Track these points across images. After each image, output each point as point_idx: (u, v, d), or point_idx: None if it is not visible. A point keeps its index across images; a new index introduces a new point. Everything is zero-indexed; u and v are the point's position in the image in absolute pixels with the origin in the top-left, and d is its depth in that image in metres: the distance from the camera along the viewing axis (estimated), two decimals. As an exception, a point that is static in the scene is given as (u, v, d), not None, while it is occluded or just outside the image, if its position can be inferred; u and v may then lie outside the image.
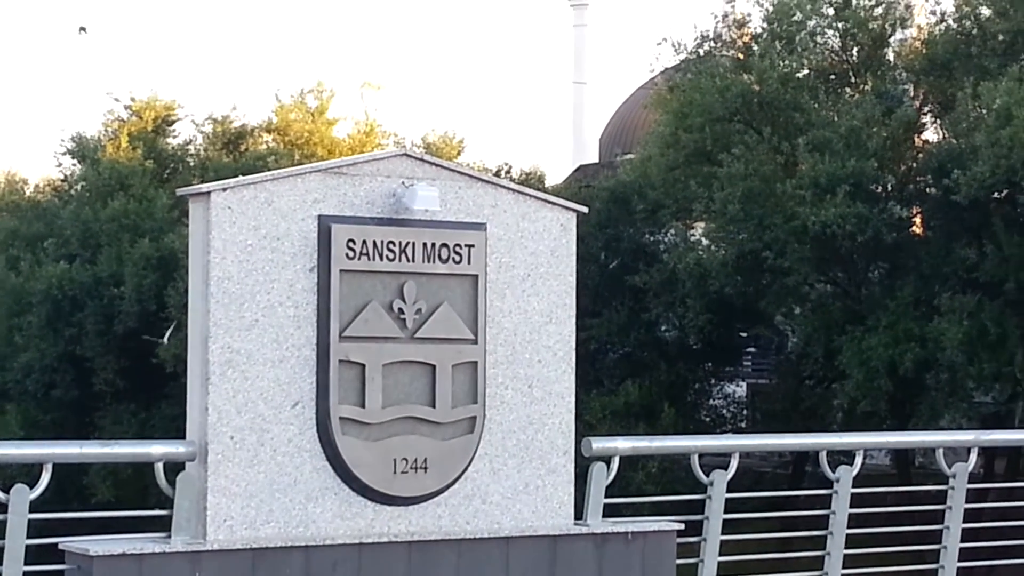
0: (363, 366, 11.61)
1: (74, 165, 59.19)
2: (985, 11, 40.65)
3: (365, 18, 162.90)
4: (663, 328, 44.63)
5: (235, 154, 54.82)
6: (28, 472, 10.89)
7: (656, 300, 43.44)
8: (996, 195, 38.74)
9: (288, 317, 11.37)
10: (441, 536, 11.86)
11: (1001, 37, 39.98)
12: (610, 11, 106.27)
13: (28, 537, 10.52)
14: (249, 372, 11.25)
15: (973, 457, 14.69)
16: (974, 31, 40.72)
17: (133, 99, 58.12)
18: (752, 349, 47.97)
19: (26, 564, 10.51)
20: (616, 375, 42.78)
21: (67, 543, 10.86)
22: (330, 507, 11.49)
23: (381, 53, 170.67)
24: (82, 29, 51.34)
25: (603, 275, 43.45)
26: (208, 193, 11.26)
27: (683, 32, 45.07)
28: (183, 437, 11.39)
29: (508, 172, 53.25)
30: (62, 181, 61.20)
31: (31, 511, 10.51)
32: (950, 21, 41.81)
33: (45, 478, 10.62)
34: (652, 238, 46.02)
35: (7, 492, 10.45)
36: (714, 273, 42.19)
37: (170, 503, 11.00)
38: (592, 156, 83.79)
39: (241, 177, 11.60)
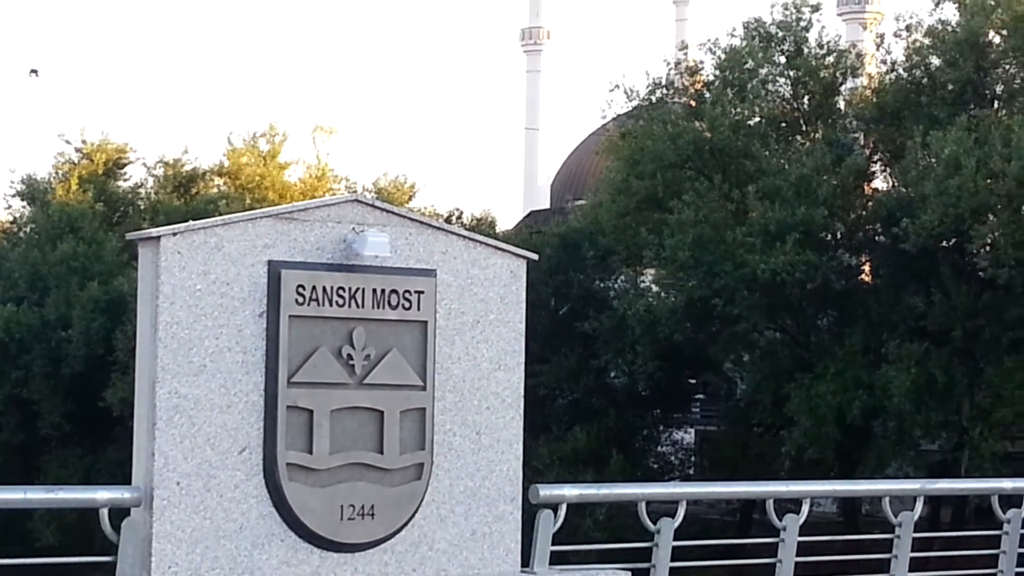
0: (311, 412, 11.58)
1: (24, 207, 59.00)
2: (935, 61, 41.04)
3: (319, 62, 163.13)
4: (612, 374, 44.70)
5: (186, 197, 54.76)
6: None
7: (606, 346, 43.53)
8: (944, 244, 39.05)
9: (236, 362, 11.34)
10: (387, 583, 11.84)
11: (950, 87, 40.35)
12: (564, 57, 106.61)
13: None
14: (196, 417, 11.21)
15: (919, 506, 14.76)
16: (924, 81, 41.10)
17: (84, 142, 58.03)
18: (701, 396, 48.08)
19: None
20: (565, 421, 42.80)
21: (10, 588, 10.80)
22: (276, 554, 11.44)
23: (335, 96, 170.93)
24: (33, 71, 51.27)
25: (553, 321, 43.51)
26: (158, 238, 11.23)
27: (636, 79, 45.05)
28: (129, 482, 11.33)
29: (459, 217, 53.38)
30: (11, 223, 60.96)
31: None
32: (900, 70, 42.21)
33: (-11, 522, 10.56)
34: (602, 284, 46.15)
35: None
36: (664, 320, 42.32)
37: (115, 549, 10.94)
38: (544, 202, 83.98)
39: (191, 222, 11.58)
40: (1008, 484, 15.46)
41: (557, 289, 44.03)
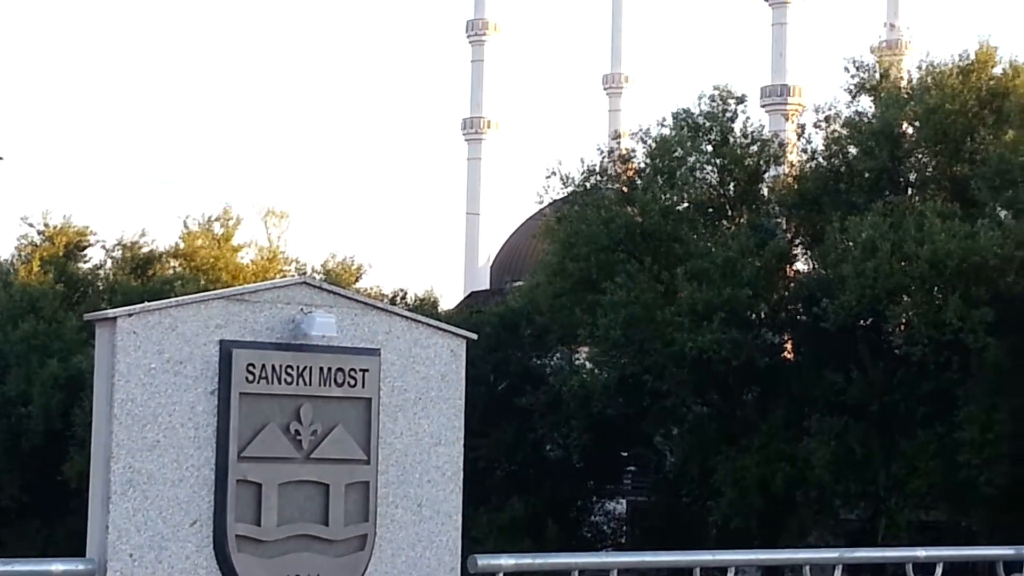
0: (260, 485, 11.54)
1: (-15, 288, 58.53)
2: (852, 150, 41.46)
3: (274, 146, 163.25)
4: (548, 447, 44.71)
5: (143, 278, 54.58)
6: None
7: (542, 420, 43.54)
8: (862, 322, 39.30)
9: (189, 438, 11.30)
10: (333, 651, 11.77)
11: (867, 174, 40.74)
12: (503, 144, 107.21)
13: None
14: (149, 491, 11.15)
15: (838, 574, 14.79)
16: (842, 169, 41.49)
17: (47, 225, 57.85)
18: (632, 468, 48.07)
19: None
20: (503, 492, 42.70)
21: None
22: (226, 622, 11.38)
23: (287, 180, 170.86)
24: (-2, 156, 51.04)
25: (492, 397, 43.47)
26: (115, 318, 11.21)
27: (571, 165, 45.21)
28: (84, 554, 11.25)
29: (404, 297, 53.40)
30: (-26, 304, 60.41)
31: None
32: (820, 159, 42.59)
33: (-56, 596, 10.42)
34: (539, 361, 46.20)
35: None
36: (597, 395, 42.38)
37: (70, 619, 10.84)
38: (484, 282, 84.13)
39: (147, 303, 11.56)
40: (922, 553, 15.51)
41: (496, 366, 44.04)
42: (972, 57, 40.57)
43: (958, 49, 41.57)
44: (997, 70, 40.27)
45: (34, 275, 55.37)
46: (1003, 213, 37.58)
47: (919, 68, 42.55)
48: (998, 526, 33.20)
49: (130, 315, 11.19)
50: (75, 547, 11.46)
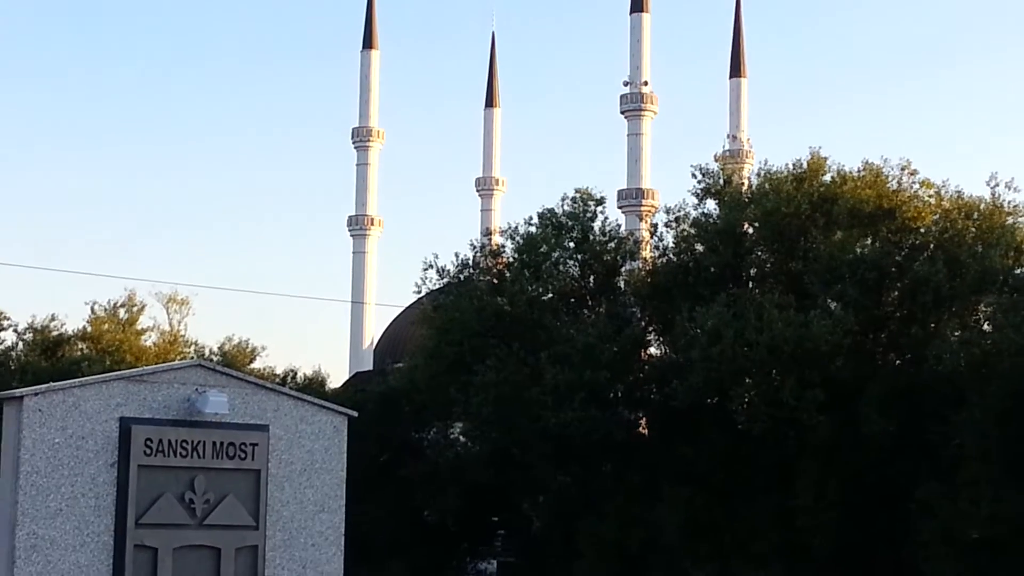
0: (156, 550, 11.42)
1: (-98, 367, 57.29)
2: (699, 247, 41.78)
3: (176, 240, 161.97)
4: (426, 513, 44.37)
5: (53, 359, 53.58)
6: None
7: (420, 489, 43.30)
8: (708, 401, 39.52)
9: (90, 507, 11.15)
10: None
11: (712, 269, 41.08)
12: (386, 240, 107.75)
13: None
14: (52, 555, 10.97)
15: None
16: (690, 264, 41.79)
17: (-40, 309, 56.81)
18: (502, 531, 47.77)
19: None
20: (383, 555, 42.30)
21: None
22: None
23: (189, 270, 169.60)
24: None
25: (374, 467, 43.13)
26: (21, 397, 11.09)
27: (446, 258, 45.13)
28: (-10, 616, 10.99)
29: (294, 377, 52.98)
30: None
31: None
32: (671, 255, 42.87)
33: None
34: (417, 435, 45.97)
35: None
36: (470, 466, 42.28)
37: None
38: (368, 363, 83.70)
39: (52, 383, 11.42)
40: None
41: (378, 439, 43.70)
42: (805, 166, 41.12)
43: (792, 158, 42.01)
44: (827, 177, 40.82)
45: (-52, 355, 54.49)
46: (833, 304, 38.01)
47: (758, 175, 43.02)
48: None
49: (36, 394, 11.07)
50: (-16, 610, 11.18)
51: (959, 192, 40.62)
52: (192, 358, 47.31)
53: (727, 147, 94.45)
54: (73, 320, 59.99)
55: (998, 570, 33.38)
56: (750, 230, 41.26)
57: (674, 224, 43.01)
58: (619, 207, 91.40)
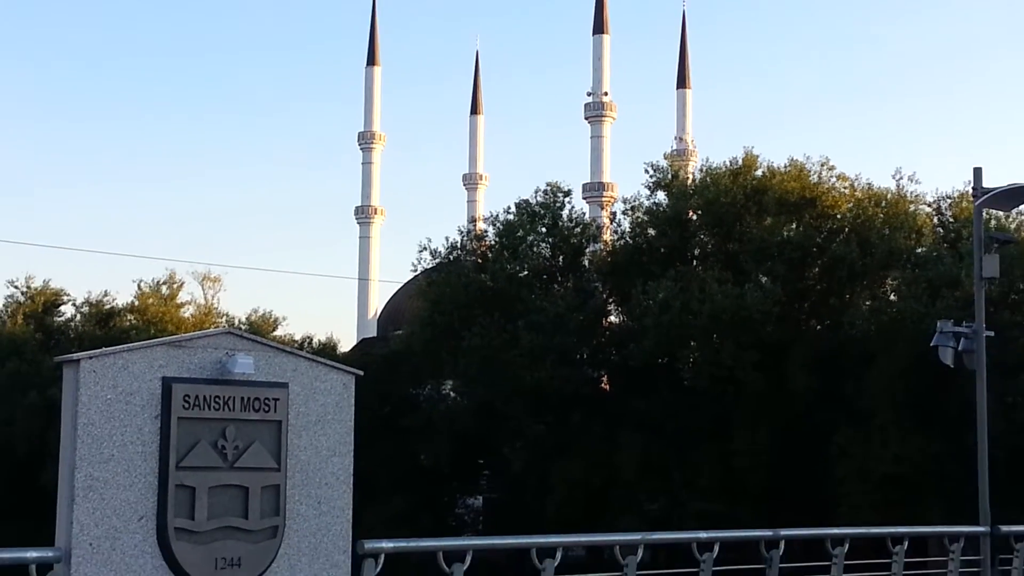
0: (193, 488, 11.32)
1: (-21, 336, 57.11)
2: (651, 232, 41.88)
3: (211, 226, 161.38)
4: (422, 457, 44.41)
5: (105, 329, 53.40)
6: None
7: (417, 437, 43.31)
8: (659, 361, 39.66)
9: (137, 453, 11.07)
10: (250, 617, 11.54)
11: (662, 250, 41.19)
12: (388, 226, 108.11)
13: None
14: (105, 494, 10.90)
15: (640, 551, 14.83)
16: (644, 246, 41.89)
17: (29, 287, 56.57)
18: (486, 472, 47.87)
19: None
20: (386, 493, 42.32)
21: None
22: (166, 596, 11.11)
23: (222, 252, 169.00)
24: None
25: (378, 419, 43.12)
26: (78, 360, 10.99)
27: (438, 242, 45.18)
28: (53, 544, 10.95)
29: (310, 343, 52.89)
30: (-30, 348, 58.85)
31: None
32: (627, 238, 42.97)
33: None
34: (414, 391, 45.97)
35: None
36: (459, 417, 42.29)
37: (41, 596, 10.54)
38: (372, 331, 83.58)
39: (104, 348, 11.34)
40: (703, 535, 15.62)
41: (381, 395, 43.66)
42: (740, 162, 41.23)
43: (730, 156, 42.15)
44: (758, 172, 40.95)
45: (18, 326, 54.24)
46: (764, 279, 38.16)
47: (700, 170, 43.16)
48: (761, 515, 33.53)
49: (91, 357, 10.97)
50: (49, 540, 11.13)
51: (869, 184, 40.83)
52: (223, 327, 47.32)
53: (674, 147, 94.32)
54: (123, 296, 59.72)
55: (902, 500, 33.57)
56: (694, 217, 41.38)
57: (630, 212, 43.14)
58: (584, 198, 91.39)
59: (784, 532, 16.13)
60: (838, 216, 39.83)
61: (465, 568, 13.09)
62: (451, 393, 44.82)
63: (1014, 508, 25.23)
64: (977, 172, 20.95)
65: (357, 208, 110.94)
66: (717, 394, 37.55)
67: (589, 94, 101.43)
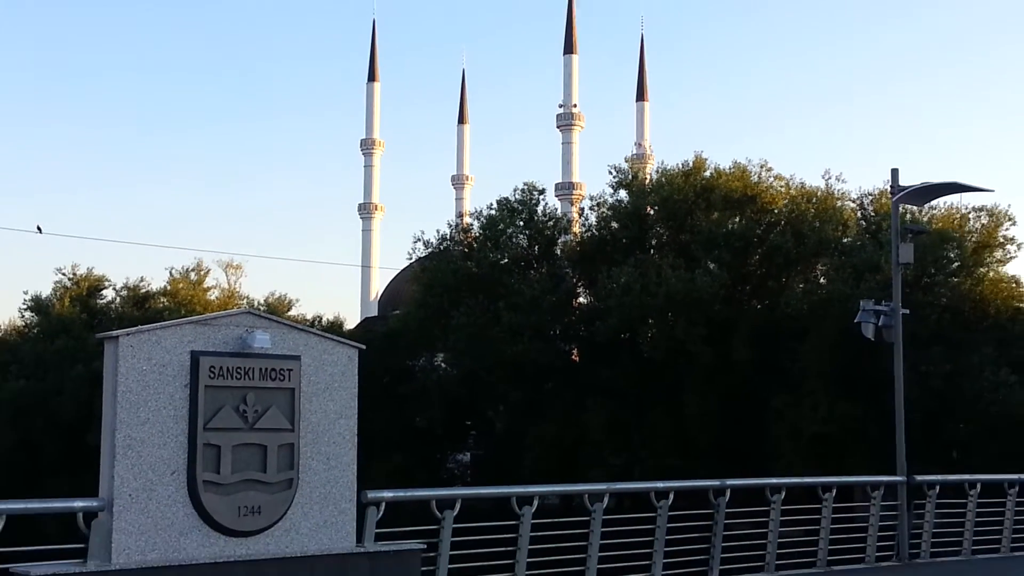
0: (219, 447, 11.32)
1: (32, 316, 56.91)
2: (614, 225, 41.86)
3: (234, 221, 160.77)
4: (417, 419, 44.41)
5: (142, 310, 53.16)
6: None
7: (413, 402, 43.29)
8: (622, 336, 39.70)
9: (170, 416, 11.06)
10: (269, 556, 11.56)
11: (624, 240, 41.19)
12: (386, 220, 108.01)
13: None
14: (142, 452, 10.89)
15: (606, 499, 14.90)
16: (608, 237, 41.89)
17: (75, 274, 56.33)
18: (473, 432, 47.91)
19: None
20: (387, 451, 42.31)
21: (15, 568, 10.29)
22: (195, 539, 11.12)
23: (244, 242, 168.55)
24: (38, 228, 49.64)
25: (378, 386, 43.08)
26: (118, 337, 10.96)
27: (430, 234, 45.04)
28: (97, 495, 10.94)
29: (320, 320, 52.78)
30: (24, 327, 58.68)
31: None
32: (594, 230, 42.95)
33: (0, 524, 10.07)
34: (410, 363, 45.91)
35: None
36: (449, 385, 42.26)
37: (87, 540, 10.54)
38: (373, 311, 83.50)
39: (140, 326, 11.30)
40: (660, 485, 15.70)
41: (381, 366, 43.58)
42: (691, 165, 41.25)
43: (682, 159, 42.22)
44: (707, 173, 40.95)
45: (65, 308, 54.01)
46: (712, 265, 38.21)
47: (657, 172, 43.13)
48: (710, 468, 33.66)
49: (128, 334, 10.94)
50: (94, 492, 11.12)
51: (802, 183, 40.89)
52: (244, 308, 47.18)
53: (634, 152, 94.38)
54: (156, 281, 59.36)
55: (828, 456, 33.72)
56: (651, 212, 41.41)
57: (596, 208, 43.13)
58: (556, 196, 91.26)
59: (729, 482, 16.21)
60: (775, 211, 39.89)
61: (455, 514, 13.15)
62: (442, 364, 44.81)
63: (926, 462, 25.38)
64: (894, 172, 21.00)
65: (360, 205, 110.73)
66: (671, 364, 37.64)
67: (560, 106, 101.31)
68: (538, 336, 39.38)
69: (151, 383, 10.97)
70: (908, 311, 21.04)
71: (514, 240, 43.02)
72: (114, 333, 11.07)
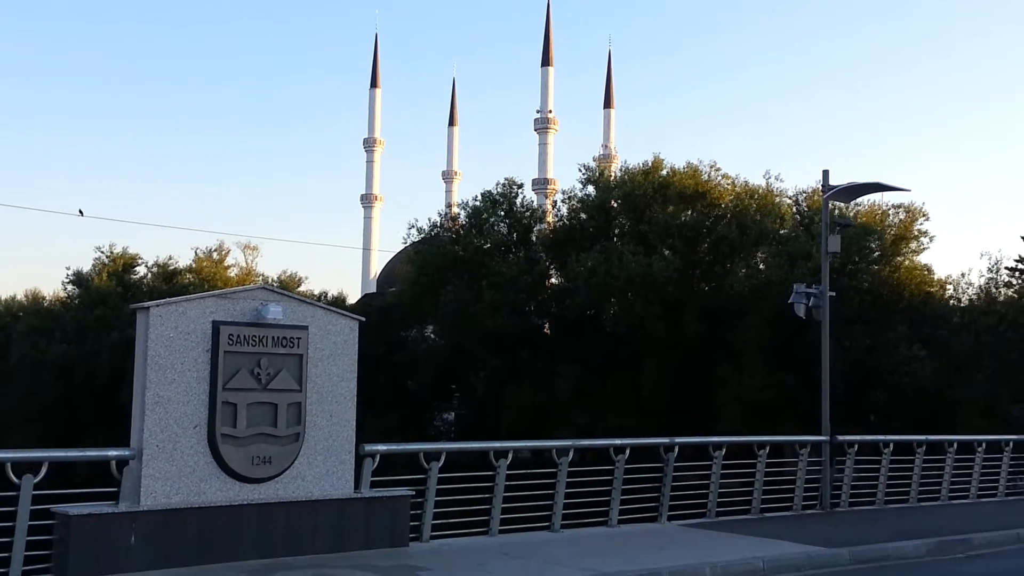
0: (235, 405, 11.32)
1: (74, 289, 56.60)
2: (583, 216, 41.85)
3: (251, 207, 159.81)
4: (409, 383, 44.40)
5: (170, 285, 52.89)
6: (34, 468, 10.27)
7: (406, 368, 43.26)
8: (589, 313, 39.75)
9: (193, 377, 11.05)
10: (278, 500, 11.60)
11: (591, 230, 41.18)
12: (386, 209, 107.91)
13: (32, 507, 9.94)
14: (169, 408, 10.88)
15: (571, 453, 14.97)
16: (577, 226, 41.87)
17: (112, 252, 55.98)
18: (458, 395, 47.92)
19: (31, 522, 9.93)
20: (382, 411, 42.27)
21: (55, 508, 10.30)
22: (213, 485, 11.14)
23: (260, 226, 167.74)
24: (80, 211, 49.29)
25: (376, 354, 43.01)
26: (148, 307, 10.94)
27: (423, 221, 45.05)
28: (128, 445, 10.95)
29: (325, 296, 52.65)
30: (66, 298, 58.36)
31: (35, 491, 9.95)
32: (565, 220, 42.92)
33: (43, 470, 10.08)
34: (404, 334, 45.87)
35: (19, 478, 9.89)
36: (437, 354, 42.20)
37: (119, 484, 10.54)
38: (373, 288, 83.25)
39: (168, 299, 11.28)
40: (618, 441, 15.78)
41: (379, 336, 43.48)
42: (650, 164, 41.27)
43: (642, 160, 42.23)
44: (664, 172, 40.99)
45: (103, 282, 53.75)
46: (667, 252, 38.29)
47: (620, 170, 43.15)
48: (663, 427, 33.82)
49: (158, 305, 10.93)
50: (125, 443, 11.12)
51: (746, 181, 41.01)
52: (259, 284, 47.08)
53: (601, 152, 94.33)
54: (183, 260, 58.96)
55: (764, 419, 33.95)
56: (615, 205, 41.44)
57: (567, 201, 43.13)
58: (533, 189, 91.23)
59: (678, 440, 16.31)
60: (722, 205, 39.98)
61: (440, 465, 13.18)
62: (431, 335, 44.80)
63: (847, 424, 25.57)
64: (826, 173, 21.06)
65: (362, 195, 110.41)
66: (631, 338, 37.76)
67: (538, 112, 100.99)
68: (515, 312, 39.42)
69: (177, 348, 10.97)
70: (835, 294, 21.14)
71: (496, 228, 43.00)
72: (145, 304, 11.06)
